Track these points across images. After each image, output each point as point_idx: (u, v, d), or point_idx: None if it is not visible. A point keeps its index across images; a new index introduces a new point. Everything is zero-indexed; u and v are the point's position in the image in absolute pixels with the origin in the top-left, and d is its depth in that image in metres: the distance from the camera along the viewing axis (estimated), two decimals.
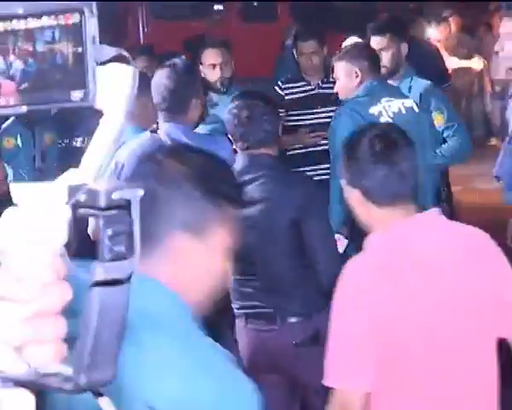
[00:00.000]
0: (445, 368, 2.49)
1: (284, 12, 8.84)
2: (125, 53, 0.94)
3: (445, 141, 4.81)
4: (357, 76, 4.27)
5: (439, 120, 4.76)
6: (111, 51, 0.94)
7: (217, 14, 10.12)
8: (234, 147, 3.69)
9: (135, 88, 0.92)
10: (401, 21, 5.17)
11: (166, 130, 3.76)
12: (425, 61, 5.75)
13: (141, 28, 9.10)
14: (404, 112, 4.29)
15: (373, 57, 4.41)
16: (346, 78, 4.31)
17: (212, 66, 5.27)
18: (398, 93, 4.44)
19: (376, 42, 4.84)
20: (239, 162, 3.55)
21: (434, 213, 2.59)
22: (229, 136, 3.72)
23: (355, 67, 4.28)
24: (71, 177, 0.92)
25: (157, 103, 3.78)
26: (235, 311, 3.62)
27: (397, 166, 2.49)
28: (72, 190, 0.91)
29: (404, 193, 2.51)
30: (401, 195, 2.51)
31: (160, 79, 3.80)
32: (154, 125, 3.89)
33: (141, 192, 0.92)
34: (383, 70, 4.80)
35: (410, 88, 4.83)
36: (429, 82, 4.84)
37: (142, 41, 9.05)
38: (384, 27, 4.90)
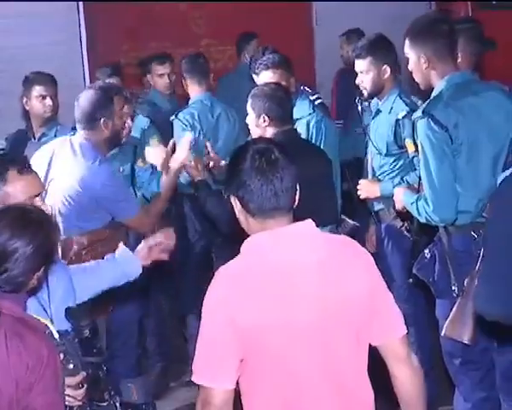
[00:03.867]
0: (315, 372, 2.70)
1: None
2: None
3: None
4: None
5: (409, 147, 4.77)
6: None
7: None
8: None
9: None
10: (383, 44, 5.03)
11: None
12: None
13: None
14: None
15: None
16: None
17: None
18: None
19: (357, 65, 4.96)
20: (278, 137, 4.23)
21: (306, 225, 2.76)
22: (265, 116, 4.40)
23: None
24: None
25: None
26: None
27: (271, 183, 2.68)
28: None
29: (277, 207, 2.70)
30: (273, 208, 2.70)
31: None
32: None
33: None
34: (364, 92, 5.01)
35: (390, 109, 4.91)
36: (407, 108, 4.83)
37: None
38: (365, 51, 4.93)
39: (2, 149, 5.59)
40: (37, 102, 5.47)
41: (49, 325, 2.89)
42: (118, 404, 3.01)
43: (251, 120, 4.50)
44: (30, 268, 2.77)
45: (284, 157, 2.74)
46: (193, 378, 2.70)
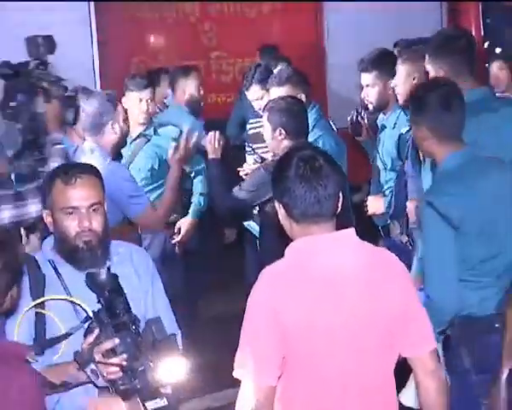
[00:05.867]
0: (346, 377, 2.75)
1: None
2: None
3: None
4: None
5: None
6: None
7: None
8: None
9: None
10: (389, 59, 5.06)
11: None
12: None
13: None
14: None
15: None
16: None
17: None
18: None
19: (363, 78, 5.02)
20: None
21: (348, 233, 2.82)
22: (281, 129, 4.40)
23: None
24: None
25: None
26: None
27: (315, 190, 2.74)
28: None
29: (320, 213, 2.76)
30: (316, 215, 2.76)
31: None
32: None
33: None
34: (370, 106, 5.05)
35: (394, 125, 4.92)
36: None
37: None
38: (370, 64, 4.98)
39: None
40: None
41: (82, 304, 2.97)
42: (150, 361, 2.86)
43: (267, 132, 4.52)
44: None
45: (328, 165, 2.80)
46: (235, 373, 2.74)
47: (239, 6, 8.80)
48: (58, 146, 3.98)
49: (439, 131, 3.52)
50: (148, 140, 5.47)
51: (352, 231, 2.83)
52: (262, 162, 5.23)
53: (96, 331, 2.87)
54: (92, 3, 8.23)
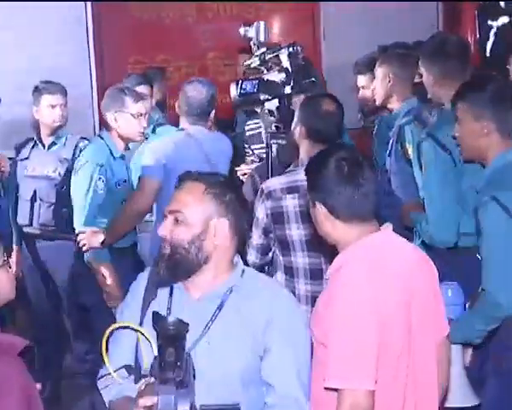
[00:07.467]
0: (415, 363, 2.78)
1: None
2: None
3: None
4: None
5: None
6: None
7: None
8: None
9: None
10: None
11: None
12: None
13: None
14: None
15: None
16: None
17: None
18: None
19: (359, 80, 5.17)
20: None
21: (391, 229, 2.88)
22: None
23: None
24: None
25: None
26: None
27: (361, 187, 2.73)
28: None
29: (367, 211, 2.77)
30: (364, 212, 2.77)
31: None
32: None
33: None
34: (364, 108, 5.17)
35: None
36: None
37: None
38: (365, 67, 5.14)
39: (12, 159, 5.60)
40: (47, 111, 5.49)
41: (150, 339, 2.58)
42: None
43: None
44: None
45: (367, 161, 2.82)
46: (339, 384, 2.60)
47: (236, 7, 8.80)
48: None
49: (504, 124, 3.60)
50: (146, 138, 5.44)
51: (391, 227, 2.88)
52: (260, 162, 5.22)
53: (147, 380, 2.54)
54: (89, 3, 8.22)
